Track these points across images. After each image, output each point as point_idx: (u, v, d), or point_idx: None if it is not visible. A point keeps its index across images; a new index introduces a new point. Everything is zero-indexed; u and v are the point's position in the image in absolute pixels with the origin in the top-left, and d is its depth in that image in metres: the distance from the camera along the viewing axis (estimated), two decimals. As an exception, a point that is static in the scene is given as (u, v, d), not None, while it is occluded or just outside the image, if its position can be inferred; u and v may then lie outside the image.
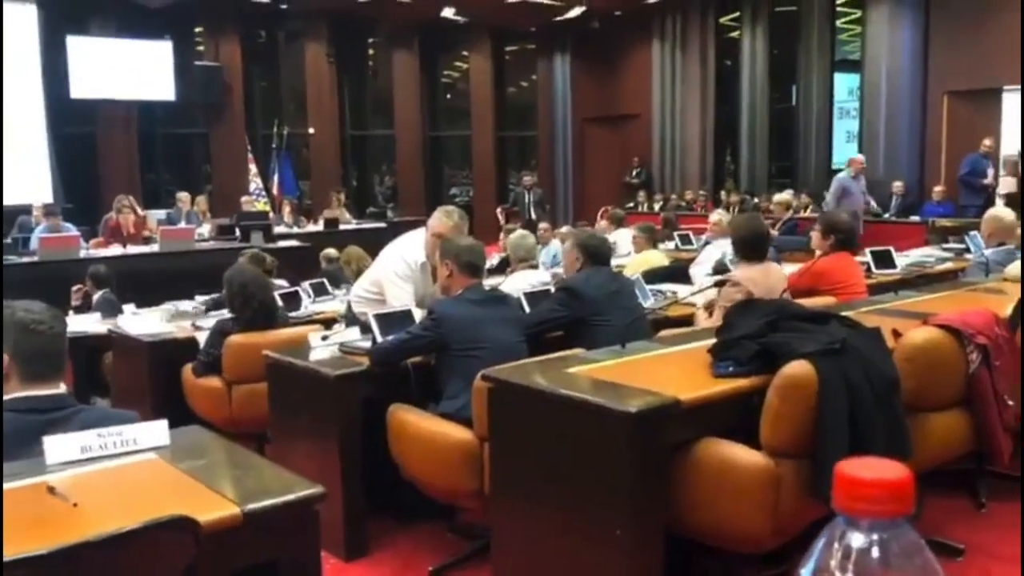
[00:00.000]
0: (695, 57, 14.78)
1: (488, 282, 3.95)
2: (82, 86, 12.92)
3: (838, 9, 13.54)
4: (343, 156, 16.32)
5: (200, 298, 5.63)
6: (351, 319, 4.28)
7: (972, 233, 6.31)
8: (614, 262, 5.03)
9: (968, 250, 6.32)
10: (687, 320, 4.26)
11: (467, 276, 3.44)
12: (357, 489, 3.29)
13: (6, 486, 1.81)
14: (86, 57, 13.00)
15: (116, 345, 4.78)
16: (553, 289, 4.14)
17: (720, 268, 5.42)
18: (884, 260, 5.69)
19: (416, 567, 3.23)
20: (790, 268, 4.79)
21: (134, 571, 1.60)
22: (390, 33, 16.40)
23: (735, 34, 14.72)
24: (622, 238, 7.90)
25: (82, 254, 8.27)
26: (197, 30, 14.99)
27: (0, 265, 7.04)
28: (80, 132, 13.55)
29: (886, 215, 11.41)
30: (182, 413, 3.94)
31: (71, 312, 5.75)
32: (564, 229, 9.31)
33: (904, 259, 6.15)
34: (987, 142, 10.75)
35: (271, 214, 11.99)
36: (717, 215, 7.65)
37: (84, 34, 13.26)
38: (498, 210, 13.85)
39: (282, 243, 9.55)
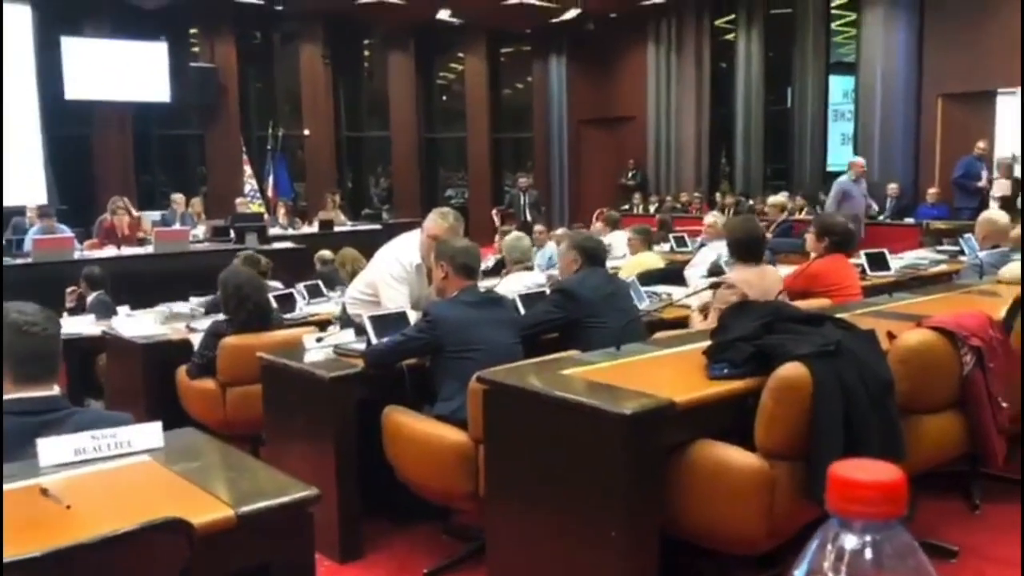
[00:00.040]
0: (690, 59, 14.81)
1: (483, 284, 3.95)
2: (77, 87, 12.89)
3: (833, 12, 13.58)
4: (338, 158, 16.31)
5: (197, 300, 5.62)
6: (346, 321, 4.28)
7: (966, 235, 6.34)
8: (609, 264, 5.03)
9: (962, 252, 6.34)
10: (682, 322, 4.26)
11: (462, 278, 3.44)
12: (352, 491, 3.29)
13: (-1, 488, 1.81)
14: (81, 58, 12.97)
15: (110, 347, 4.77)
16: (548, 291, 4.14)
17: (715, 270, 5.43)
18: (879, 262, 5.71)
19: (411, 569, 3.23)
20: (785, 270, 4.79)
21: (128, 574, 1.60)
22: (385, 35, 16.40)
23: (730, 36, 14.74)
24: (617, 240, 7.90)
25: (76, 255, 8.24)
26: (192, 31, 14.96)
27: (0, 266, 7.02)
28: (75, 133, 13.53)
29: (881, 217, 11.43)
30: (176, 415, 3.93)
31: (65, 314, 5.73)
32: (560, 231, 9.32)
33: (898, 261, 6.17)
34: (981, 144, 10.78)
35: (266, 216, 11.96)
36: (712, 217, 7.66)
37: (78, 35, 13.23)
38: (493, 212, 13.82)
39: (277, 245, 9.54)
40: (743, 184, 14.36)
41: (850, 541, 0.65)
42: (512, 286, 4.64)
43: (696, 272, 5.93)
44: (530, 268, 5.31)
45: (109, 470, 2.00)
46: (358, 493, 3.31)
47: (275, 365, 3.53)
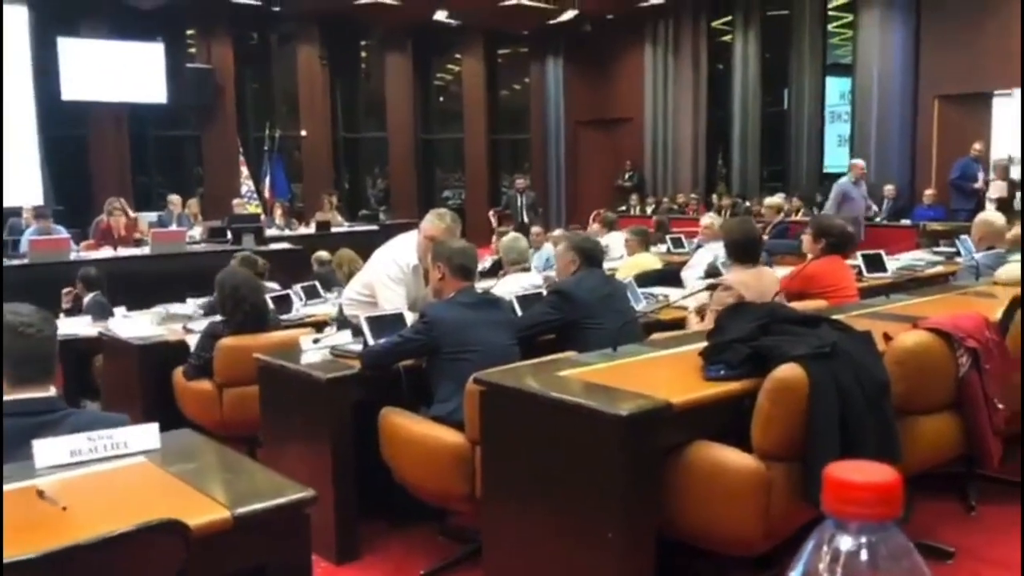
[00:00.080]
0: (687, 61, 14.83)
1: (480, 285, 3.95)
2: (73, 88, 12.88)
3: (830, 13, 13.60)
4: (335, 158, 16.30)
5: (197, 301, 5.61)
6: (343, 322, 4.27)
7: (963, 237, 6.34)
8: (606, 265, 5.04)
9: (959, 254, 6.35)
10: (679, 323, 4.27)
11: (459, 279, 3.44)
12: (348, 492, 3.29)
13: (-5, 490, 1.80)
14: (77, 59, 12.95)
15: (107, 348, 4.76)
16: (545, 292, 4.14)
17: (712, 271, 5.44)
18: (875, 263, 5.71)
19: (407, 570, 3.22)
20: (781, 271, 4.80)
21: (124, 575, 1.60)
22: (383, 36, 16.40)
23: (727, 38, 14.77)
24: (614, 241, 7.91)
25: (72, 256, 8.23)
26: (189, 32, 14.95)
27: (0, 266, 7.00)
28: (71, 134, 13.51)
29: (877, 218, 11.45)
30: (173, 416, 3.93)
31: (61, 315, 5.73)
32: (556, 232, 9.32)
33: (895, 263, 6.17)
34: (977, 146, 10.81)
35: (263, 216, 11.94)
36: (709, 218, 7.67)
37: (75, 36, 13.22)
38: (490, 213, 13.82)
39: (274, 246, 9.52)
40: (740, 185, 14.37)
41: (846, 542, 0.66)
42: (509, 287, 4.64)
43: (693, 273, 5.94)
44: (527, 269, 5.31)
45: (105, 471, 1.99)
46: (355, 494, 3.31)
47: (272, 366, 3.53)
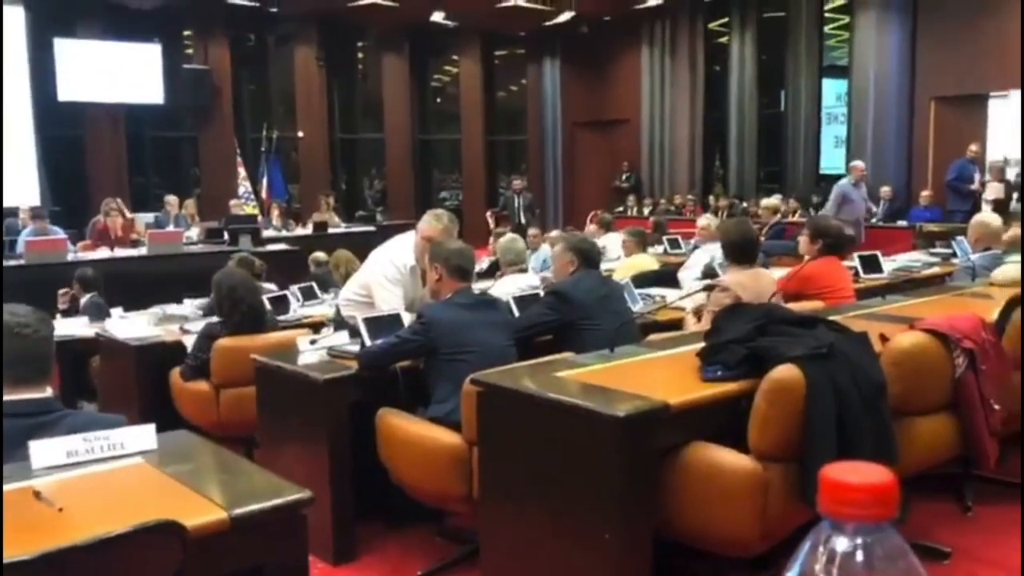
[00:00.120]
0: (684, 62, 14.84)
1: (477, 286, 3.95)
2: (69, 89, 12.86)
3: (826, 15, 13.62)
4: (332, 159, 16.29)
5: (196, 302, 5.60)
6: (340, 322, 4.27)
7: (959, 238, 6.35)
8: (603, 266, 5.04)
9: (955, 255, 6.36)
10: (676, 324, 4.27)
11: (456, 280, 3.44)
12: (345, 493, 3.28)
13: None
14: (73, 59, 12.94)
15: (103, 349, 4.76)
16: (542, 293, 4.14)
17: (709, 272, 5.44)
18: (872, 264, 5.72)
19: (405, 571, 3.22)
20: (778, 272, 4.81)
21: (120, 576, 1.59)
22: (380, 37, 16.39)
23: (724, 39, 14.78)
24: (611, 242, 7.91)
25: (69, 257, 8.22)
26: (186, 33, 14.94)
27: (0, 266, 6.99)
28: (68, 135, 13.49)
29: (874, 220, 11.47)
30: (170, 417, 3.92)
31: (58, 315, 5.72)
32: (554, 233, 9.32)
33: (891, 263, 6.18)
34: (974, 147, 10.83)
35: (260, 217, 11.95)
36: (706, 219, 7.68)
37: (71, 36, 13.20)
38: (488, 214, 13.83)
39: (271, 247, 9.52)
40: (736, 187, 14.39)
41: (841, 543, 0.66)
42: (506, 288, 4.64)
43: (690, 274, 5.94)
44: (524, 270, 5.31)
45: (102, 472, 1.99)
46: (352, 495, 3.31)
47: (269, 367, 3.52)
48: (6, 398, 2.07)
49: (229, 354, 4.04)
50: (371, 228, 11.98)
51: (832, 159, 13.72)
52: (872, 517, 0.65)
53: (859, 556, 0.65)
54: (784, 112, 13.98)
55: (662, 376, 2.75)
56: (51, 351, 2.20)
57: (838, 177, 13.30)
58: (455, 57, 17.08)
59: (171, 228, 10.38)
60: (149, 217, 11.52)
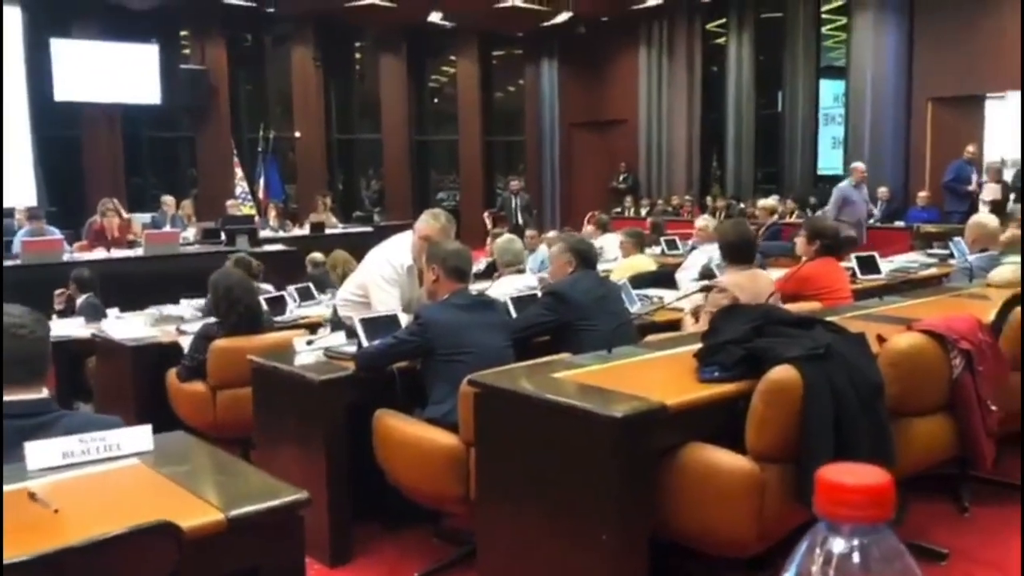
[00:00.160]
0: (681, 63, 14.85)
1: (475, 287, 3.95)
2: (66, 89, 12.85)
3: (823, 16, 13.63)
4: (329, 160, 16.29)
5: (192, 302, 5.58)
6: (337, 323, 4.27)
7: (956, 239, 6.37)
8: (600, 267, 5.04)
9: (952, 256, 6.37)
10: (673, 325, 4.27)
11: (454, 281, 3.43)
12: (342, 495, 3.28)
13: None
14: (70, 60, 12.92)
15: (100, 349, 4.75)
16: (540, 294, 4.14)
17: (706, 273, 5.44)
18: (869, 265, 5.73)
19: (401, 573, 3.22)
20: (775, 273, 4.81)
21: (116, 578, 1.59)
22: (377, 37, 16.39)
23: (721, 40, 14.80)
24: (608, 243, 7.92)
25: (65, 257, 8.21)
26: (183, 33, 14.93)
27: (0, 266, 6.98)
28: (64, 135, 13.48)
29: (871, 220, 11.48)
30: (166, 418, 3.92)
31: (54, 316, 5.71)
32: (551, 234, 9.32)
33: (889, 264, 6.19)
34: (971, 148, 10.85)
35: (257, 218, 11.94)
36: (704, 220, 7.68)
37: (67, 36, 13.19)
38: (485, 215, 13.85)
39: (268, 247, 9.50)
40: (734, 187, 14.40)
41: (838, 545, 0.66)
42: (504, 289, 4.63)
43: (687, 275, 5.94)
44: (521, 271, 5.30)
45: (98, 474, 1.99)
46: (348, 496, 3.30)
47: (265, 368, 3.52)
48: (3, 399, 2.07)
49: (226, 355, 4.03)
50: (368, 229, 11.97)
51: (829, 160, 13.74)
52: (868, 518, 0.65)
53: (855, 557, 0.65)
54: (781, 113, 14.00)
55: (659, 377, 2.75)
56: (47, 352, 2.19)
57: (835, 178, 13.32)
58: (452, 57, 17.09)
59: (168, 228, 10.37)
60: (146, 217, 11.51)
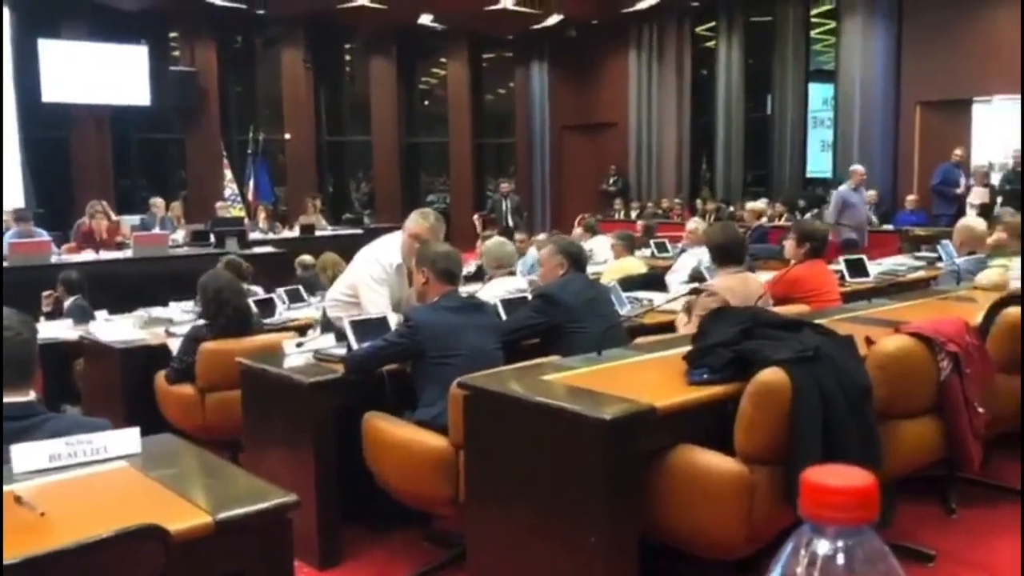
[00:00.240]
0: (671, 66, 14.88)
1: (465, 289, 3.95)
2: (54, 90, 12.80)
3: (813, 20, 13.70)
4: (319, 162, 16.27)
5: (181, 305, 5.55)
6: (326, 325, 4.26)
7: (944, 242, 6.39)
8: (590, 269, 5.04)
9: (940, 259, 6.40)
10: (663, 327, 4.27)
11: (443, 283, 3.43)
12: (331, 497, 3.27)
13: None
14: (58, 61, 12.87)
15: (88, 352, 4.73)
16: (530, 296, 4.14)
17: (696, 276, 5.45)
18: (857, 268, 5.75)
19: None
20: (764, 276, 4.82)
21: (103, 581, 1.58)
22: (367, 39, 16.38)
23: (711, 44, 14.84)
24: (598, 246, 7.92)
25: (53, 259, 8.17)
26: (172, 35, 14.89)
27: (0, 266, 6.94)
28: (52, 136, 13.42)
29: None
30: (154, 421, 3.90)
31: (42, 318, 5.68)
32: (540, 237, 9.32)
33: (877, 267, 6.21)
34: (958, 152, 10.91)
35: (246, 220, 11.91)
36: (694, 223, 7.70)
37: (56, 37, 13.13)
38: (475, 217, 13.83)
39: (257, 249, 9.49)
40: (723, 190, 14.44)
41: (823, 546, 0.66)
42: (493, 291, 4.63)
43: (677, 278, 5.95)
44: (512, 273, 5.30)
45: (85, 476, 1.98)
46: (337, 499, 3.30)
47: (254, 370, 3.51)
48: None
49: (214, 357, 4.02)
50: (358, 231, 11.94)
51: (818, 163, 13.79)
52: (853, 520, 0.65)
53: (840, 559, 0.65)
54: (771, 116, 14.04)
55: (649, 379, 2.76)
56: (34, 354, 2.18)
57: (824, 181, 13.39)
58: (443, 60, 17.08)
59: (157, 230, 10.33)
60: (135, 219, 11.47)
